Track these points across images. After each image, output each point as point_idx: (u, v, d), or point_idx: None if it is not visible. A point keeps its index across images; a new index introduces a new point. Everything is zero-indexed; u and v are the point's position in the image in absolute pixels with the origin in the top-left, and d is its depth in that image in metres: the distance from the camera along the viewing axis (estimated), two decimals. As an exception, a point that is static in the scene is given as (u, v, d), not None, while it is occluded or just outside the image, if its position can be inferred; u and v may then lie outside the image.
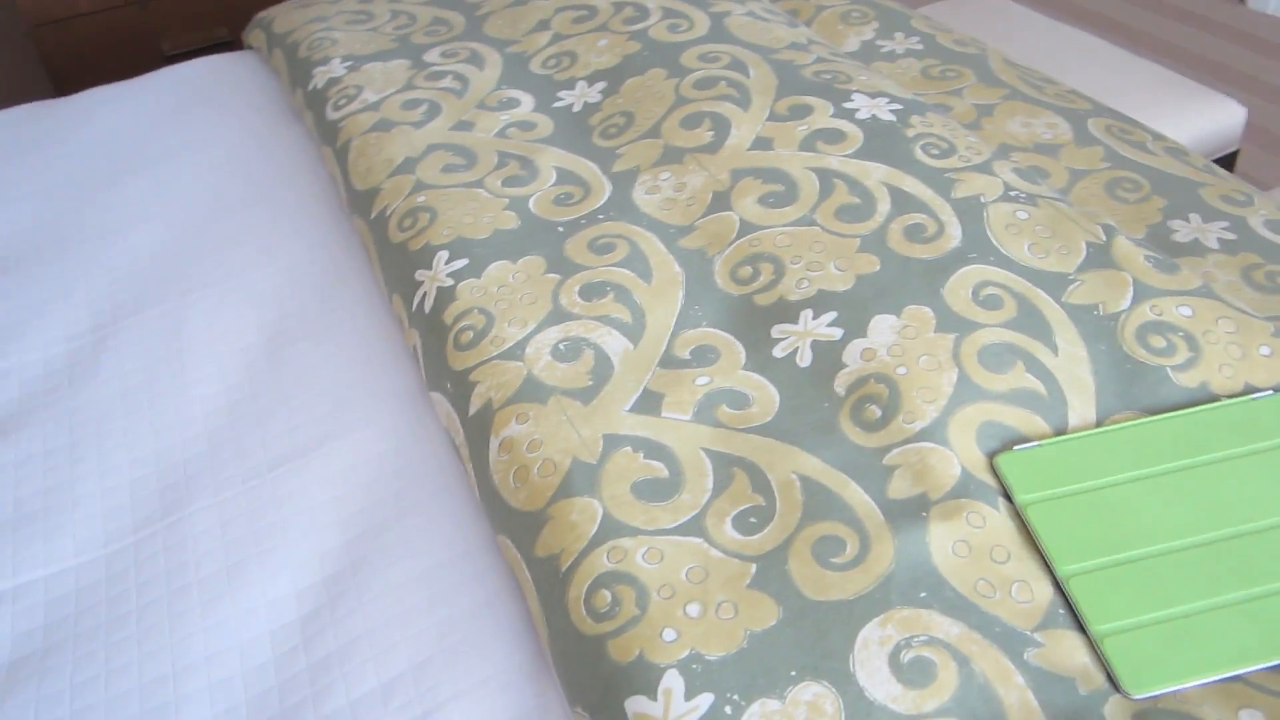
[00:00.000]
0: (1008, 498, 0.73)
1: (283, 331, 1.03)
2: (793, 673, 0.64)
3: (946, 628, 0.65)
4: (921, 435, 0.76)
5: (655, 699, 0.64)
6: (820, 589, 0.68)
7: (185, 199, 1.21)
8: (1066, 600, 0.68)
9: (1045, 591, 0.68)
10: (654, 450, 0.78)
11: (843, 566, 0.69)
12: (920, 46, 1.33)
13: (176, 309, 1.06)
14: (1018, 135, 1.15)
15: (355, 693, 0.74)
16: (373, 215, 1.04)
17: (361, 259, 1.11)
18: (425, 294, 0.93)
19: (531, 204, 1.01)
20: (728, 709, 0.63)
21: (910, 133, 1.02)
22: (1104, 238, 0.89)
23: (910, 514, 0.71)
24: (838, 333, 0.84)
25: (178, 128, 1.33)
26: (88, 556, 0.85)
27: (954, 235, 0.90)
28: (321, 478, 0.89)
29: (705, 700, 0.63)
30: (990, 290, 0.85)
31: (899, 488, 0.73)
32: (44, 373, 1.01)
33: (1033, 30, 1.60)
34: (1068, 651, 0.65)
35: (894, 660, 0.64)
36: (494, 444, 0.80)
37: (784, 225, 0.93)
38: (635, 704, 0.64)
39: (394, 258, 0.99)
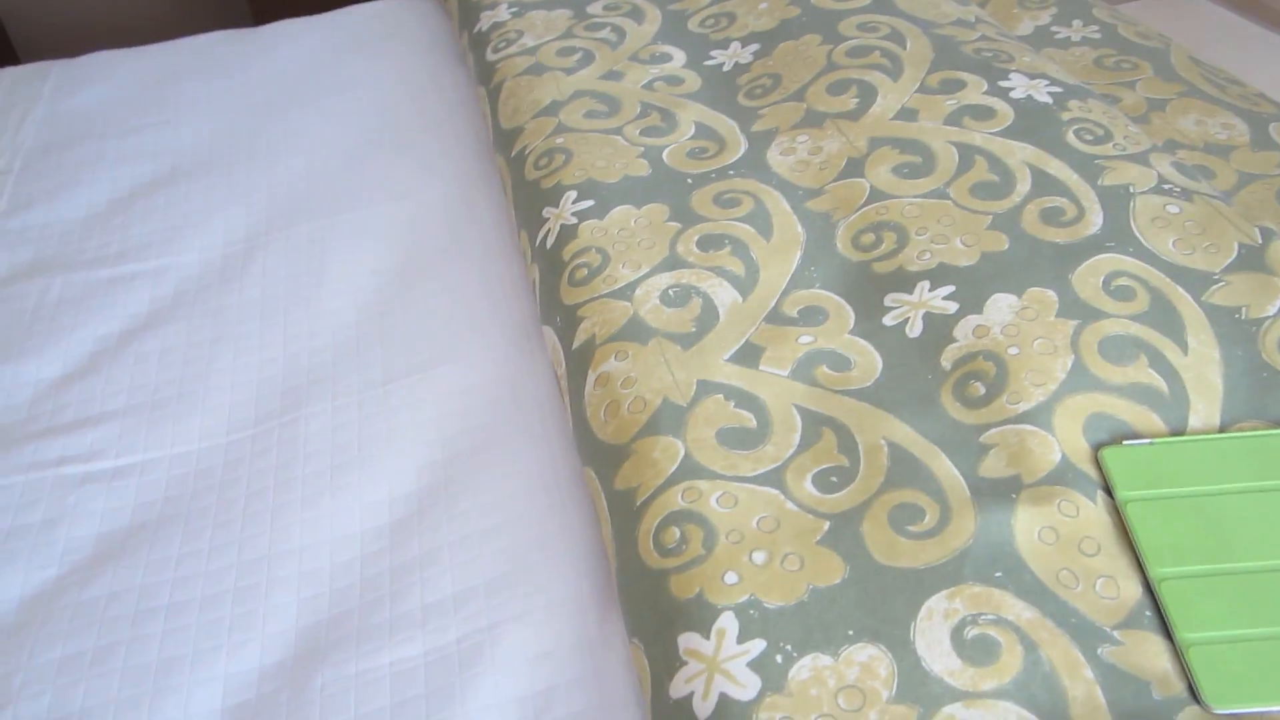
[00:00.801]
0: (1108, 492, 0.70)
1: (415, 260, 1.07)
2: (850, 632, 0.63)
3: (1018, 610, 0.63)
4: (1024, 418, 0.73)
5: (708, 637, 0.64)
6: (892, 555, 0.66)
7: (345, 132, 1.27)
8: (1155, 603, 0.64)
9: (1133, 591, 0.65)
10: (745, 400, 0.77)
11: (918, 535, 0.67)
12: (1098, 35, 1.27)
13: (322, 229, 1.11)
14: (1188, 133, 1.08)
15: (430, 598, 0.76)
16: (513, 153, 1.07)
17: (498, 199, 1.14)
18: (549, 230, 0.95)
19: (665, 155, 1.02)
20: (778, 658, 0.62)
21: (1065, 116, 0.97)
22: (1260, 240, 0.83)
23: (999, 494, 0.69)
24: (952, 306, 0.81)
25: (349, 65, 1.40)
26: (210, 443, 0.91)
27: (1094, 222, 0.86)
28: (430, 397, 0.92)
29: (757, 646, 0.63)
30: (1123, 281, 0.81)
31: (992, 466, 0.71)
32: (199, 273, 1.08)
33: (1230, 33, 1.50)
34: (1148, 655, 0.62)
35: (957, 635, 0.62)
36: (591, 378, 0.82)
37: (915, 196, 0.91)
38: (688, 640, 0.64)
39: (526, 194, 1.01)
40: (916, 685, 0.61)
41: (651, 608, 0.68)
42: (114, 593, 0.79)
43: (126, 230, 1.14)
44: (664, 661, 0.65)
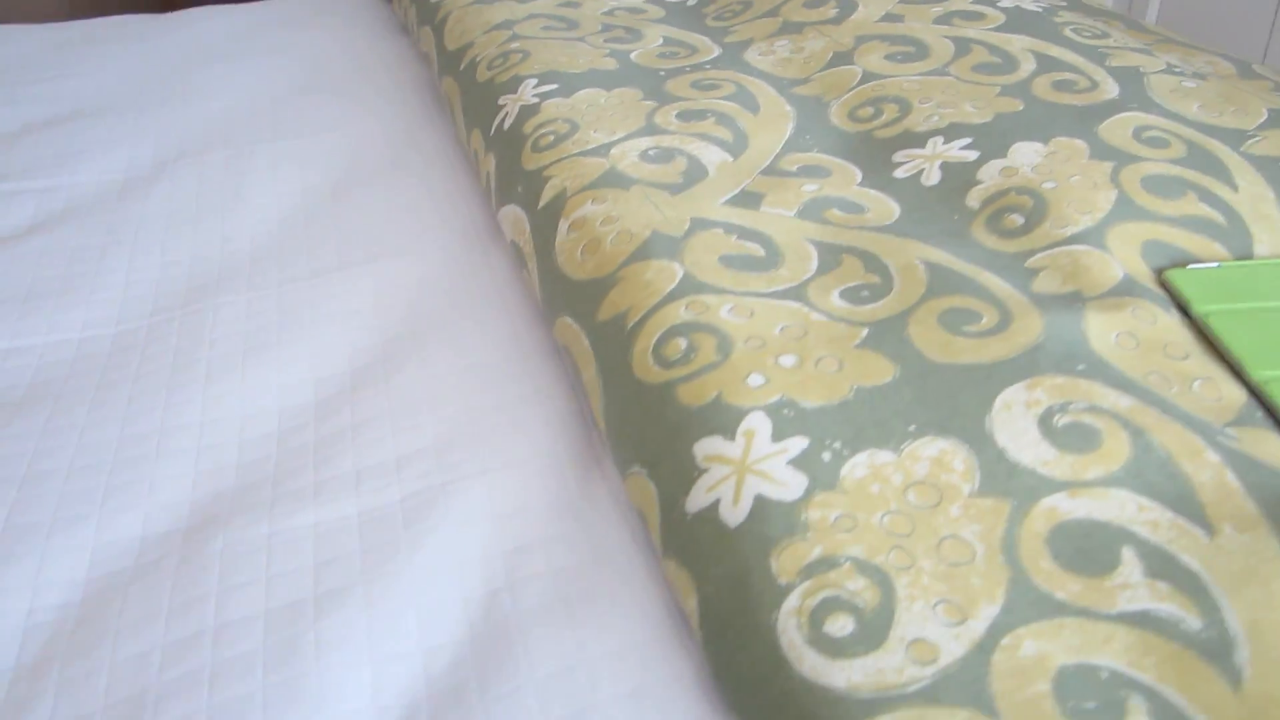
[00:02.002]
0: (1182, 311, 0.59)
1: (346, 180, 0.94)
2: (911, 428, 0.51)
3: (1114, 399, 0.51)
4: (1074, 239, 0.63)
5: (732, 439, 0.50)
6: (949, 353, 0.54)
7: (271, 82, 1.15)
8: (1264, 405, 0.53)
9: (1236, 394, 0.53)
10: (749, 235, 0.66)
11: (978, 334, 0.55)
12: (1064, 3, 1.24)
13: (241, 155, 0.99)
14: (1175, 66, 1.03)
15: (365, 462, 0.61)
16: (462, 66, 0.97)
17: (444, 130, 1.03)
18: (506, 114, 0.84)
19: (633, 56, 0.93)
20: (825, 455, 0.49)
21: (1058, 20, 0.92)
22: (1289, 103, 0.77)
23: (1062, 303, 0.58)
24: (972, 155, 0.72)
25: (275, 33, 1.30)
26: (95, 332, 0.75)
27: (1110, 90, 0.78)
28: (364, 287, 0.78)
29: (797, 444, 0.50)
30: (1154, 133, 0.73)
31: (1046, 284, 0.60)
32: (95, 192, 0.94)
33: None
34: (1271, 450, 0.50)
35: (1045, 424, 0.50)
36: (564, 225, 0.69)
37: (913, 76, 0.83)
38: (707, 445, 0.51)
39: (478, 95, 0.91)
40: (1003, 478, 0.48)
41: (655, 423, 0.54)
42: (-48, 465, 0.62)
43: (11, 155, 0.99)
44: (676, 477, 0.51)
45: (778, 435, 0.50)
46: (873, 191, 0.71)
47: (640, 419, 0.55)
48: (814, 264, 0.63)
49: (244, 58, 1.21)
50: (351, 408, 0.66)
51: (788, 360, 0.54)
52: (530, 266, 0.72)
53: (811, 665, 0.42)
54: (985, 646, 0.42)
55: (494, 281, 0.78)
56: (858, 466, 0.49)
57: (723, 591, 0.47)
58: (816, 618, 0.44)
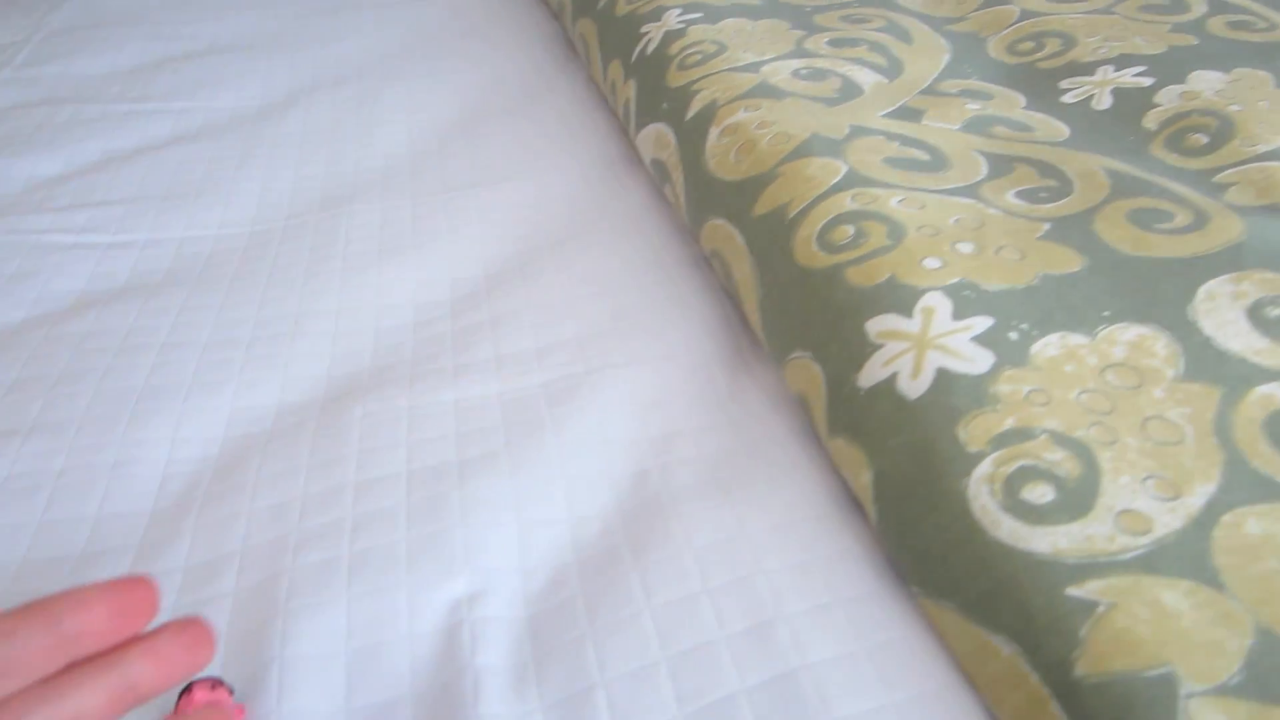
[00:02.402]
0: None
1: (479, 111, 0.93)
2: (1105, 313, 0.47)
3: (1332, 296, 0.47)
4: (1266, 156, 0.58)
5: (910, 316, 0.47)
6: (1141, 247, 0.51)
7: (401, 28, 1.16)
8: None
9: None
10: (911, 143, 0.63)
11: (1172, 231, 0.51)
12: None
13: (374, 88, 0.99)
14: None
15: (505, 350, 0.59)
16: (600, 5, 0.95)
17: (570, 78, 1.02)
18: (649, 40, 0.82)
19: (776, -4, 0.91)
20: (1013, 335, 0.46)
21: (1226, -27, 0.87)
22: None
23: (1261, 211, 0.54)
24: (1147, 80, 0.68)
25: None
26: (231, 230, 0.75)
27: (1294, 32, 0.74)
28: (498, 203, 0.77)
29: (982, 322, 0.46)
30: (1349, 70, 0.68)
31: (1239, 197, 0.56)
32: (231, 116, 0.94)
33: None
34: None
35: (1254, 315, 0.46)
36: (714, 133, 0.67)
37: (1075, 14, 0.79)
38: (881, 322, 0.48)
39: (618, 27, 0.89)
40: (1211, 364, 0.44)
41: (821, 306, 0.51)
42: (93, 331, 0.62)
43: (150, 83, 1.00)
44: (846, 355, 0.48)
45: (959, 314, 0.47)
46: (1039, 114, 0.67)
47: (804, 304, 0.52)
48: (984, 170, 0.60)
49: (376, 7, 1.22)
50: (489, 305, 0.64)
51: (965, 247, 0.51)
52: (674, 178, 0.70)
53: (1010, 530, 0.39)
54: (1204, 522, 0.38)
55: (630, 204, 0.76)
56: (1049, 346, 0.45)
57: (902, 462, 0.43)
58: (1012, 485, 0.40)
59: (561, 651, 0.41)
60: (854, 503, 0.47)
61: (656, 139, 0.74)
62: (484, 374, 0.57)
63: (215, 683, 0.37)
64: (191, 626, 0.31)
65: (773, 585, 0.42)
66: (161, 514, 0.49)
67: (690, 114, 0.71)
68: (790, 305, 0.53)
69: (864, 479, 0.45)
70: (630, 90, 0.82)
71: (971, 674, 0.39)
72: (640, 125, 0.78)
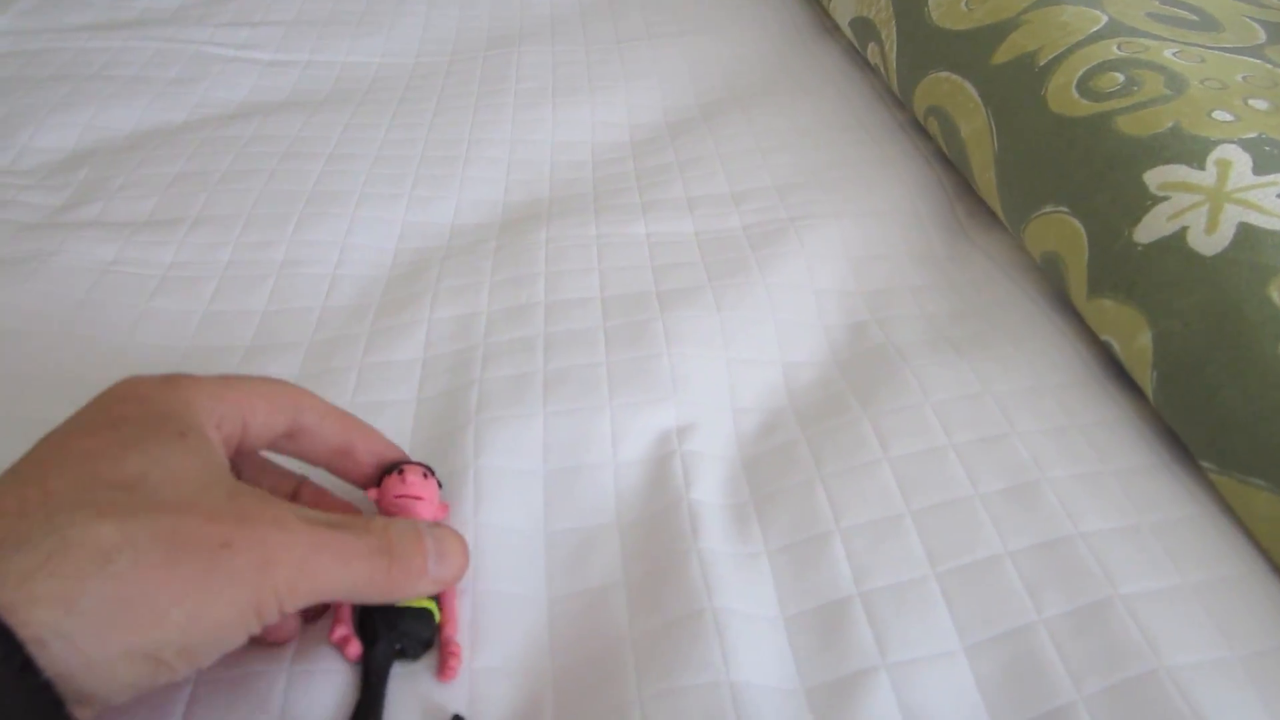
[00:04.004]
0: None
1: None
2: None
3: None
4: None
5: (1203, 167, 0.41)
6: None
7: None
8: None
9: None
10: (1174, 2, 0.55)
11: None
12: None
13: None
14: None
15: (696, 191, 0.54)
16: None
17: None
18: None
19: None
20: (1330, 196, 0.39)
21: None
22: None
23: None
24: None
25: None
26: (394, 60, 0.70)
27: None
28: (675, 54, 0.71)
29: (1290, 178, 0.39)
30: None
31: None
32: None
33: None
34: None
35: None
36: (938, -17, 0.60)
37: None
38: (1165, 173, 0.41)
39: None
40: None
41: (1083, 157, 0.44)
42: (257, 136, 0.58)
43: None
44: (1117, 208, 0.42)
45: (1261, 169, 0.40)
46: (1312, -9, 0.59)
47: (1060, 155, 0.46)
48: (1262, 35, 0.52)
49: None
50: (674, 149, 0.59)
51: (1260, 104, 0.44)
52: (883, 35, 0.63)
53: (1348, 401, 0.32)
54: None
55: (820, 69, 0.70)
56: (1377, 211, 0.38)
57: (1195, 324, 0.37)
58: (1348, 352, 0.34)
59: (786, 495, 0.36)
60: (1114, 372, 0.41)
61: (861, -4, 0.68)
62: (676, 211, 0.52)
63: (427, 471, 0.33)
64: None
65: (1031, 447, 0.36)
66: (332, 314, 0.45)
67: (907, -34, 0.64)
68: (1041, 157, 0.47)
69: (1140, 342, 0.39)
70: (826, -52, 0.75)
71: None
72: (838, -16, 0.71)
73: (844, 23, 0.71)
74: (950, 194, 0.55)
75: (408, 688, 0.29)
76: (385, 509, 0.32)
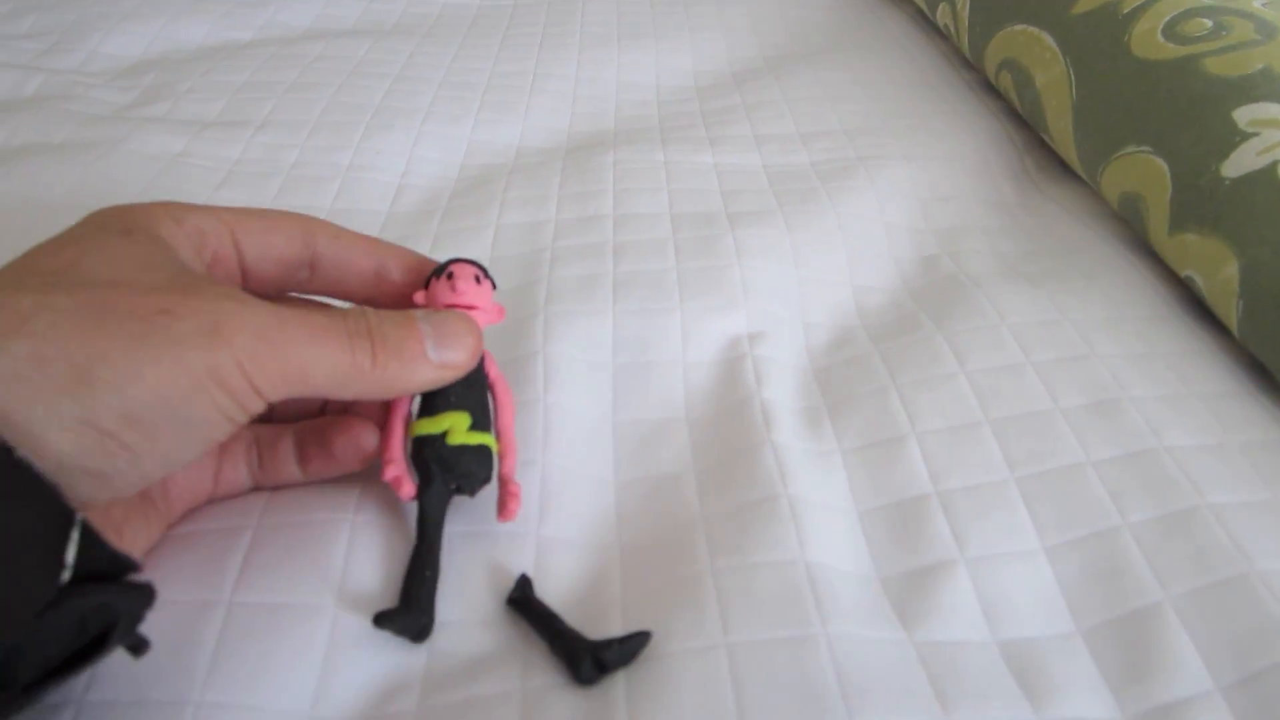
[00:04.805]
0: None
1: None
2: None
3: None
4: None
5: (1296, 105, 0.40)
6: None
7: None
8: None
9: None
10: (1258, -34, 0.54)
11: None
12: None
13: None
14: None
15: (763, 130, 0.53)
16: None
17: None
18: None
19: None
20: None
21: None
22: None
23: None
24: None
25: None
26: (457, 0, 0.70)
27: None
28: (739, 11, 0.71)
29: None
30: None
31: None
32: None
33: None
34: None
35: None
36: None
37: None
38: (1255, 110, 0.40)
39: None
40: None
41: (1168, 98, 0.44)
42: (323, 55, 0.58)
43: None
44: (1204, 145, 0.41)
45: (1363, 112, 0.39)
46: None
47: (1144, 96, 0.45)
48: (1349, -1, 0.51)
49: None
50: (739, 94, 0.58)
51: (1355, 53, 0.43)
52: (951, -8, 0.63)
53: None
54: None
55: (887, 30, 0.70)
56: None
57: (1287, 253, 0.36)
58: None
59: (860, 400, 0.35)
60: (1192, 307, 0.40)
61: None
62: (744, 146, 0.51)
63: (480, 274, 0.30)
64: None
65: (1112, 369, 0.35)
66: (399, 216, 0.44)
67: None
68: (1122, 100, 0.46)
69: (1226, 273, 0.38)
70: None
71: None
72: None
73: (911, -13, 0.70)
74: (1020, 147, 0.55)
75: (474, 549, 0.29)
76: None
